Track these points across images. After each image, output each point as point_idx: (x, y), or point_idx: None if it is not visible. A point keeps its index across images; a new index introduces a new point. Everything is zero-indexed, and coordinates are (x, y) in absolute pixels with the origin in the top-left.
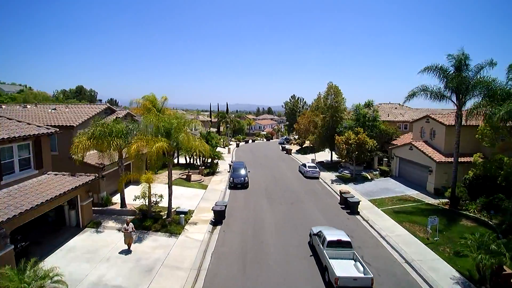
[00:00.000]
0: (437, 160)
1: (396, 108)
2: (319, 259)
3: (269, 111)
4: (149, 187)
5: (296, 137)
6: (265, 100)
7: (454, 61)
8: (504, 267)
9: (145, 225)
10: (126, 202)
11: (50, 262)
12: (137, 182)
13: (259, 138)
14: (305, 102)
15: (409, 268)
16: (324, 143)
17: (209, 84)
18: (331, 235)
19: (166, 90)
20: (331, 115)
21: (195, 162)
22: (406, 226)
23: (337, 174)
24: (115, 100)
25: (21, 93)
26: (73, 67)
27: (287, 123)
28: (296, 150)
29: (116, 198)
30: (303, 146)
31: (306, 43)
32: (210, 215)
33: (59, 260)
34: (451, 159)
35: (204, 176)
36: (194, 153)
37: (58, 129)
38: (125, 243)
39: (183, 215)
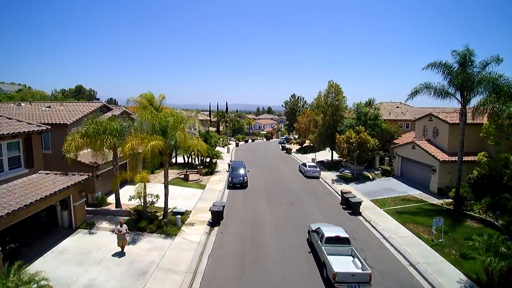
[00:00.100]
0: (441, 159)
1: (397, 107)
2: (318, 256)
3: (269, 110)
4: (144, 187)
5: (296, 136)
6: (265, 100)
7: (459, 57)
8: None
9: (140, 226)
10: (122, 202)
11: (39, 265)
12: (133, 182)
13: (259, 138)
14: (305, 101)
15: (414, 271)
16: (324, 142)
17: (209, 84)
18: (330, 231)
19: (166, 90)
20: (332, 113)
21: (193, 161)
22: (409, 227)
23: (338, 173)
24: (115, 100)
25: (19, 92)
26: (73, 67)
27: (287, 122)
28: (296, 150)
29: (111, 199)
30: (303, 146)
31: (306, 43)
32: (208, 216)
33: (49, 263)
34: (455, 158)
35: (203, 175)
36: (193, 153)
37: (49, 127)
38: (118, 245)
39: (180, 216)
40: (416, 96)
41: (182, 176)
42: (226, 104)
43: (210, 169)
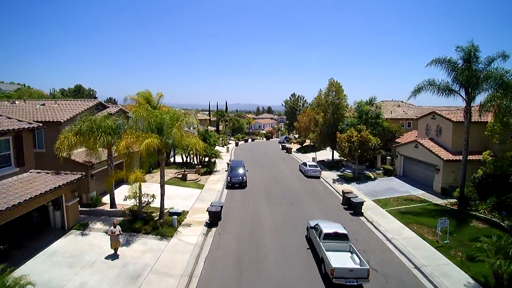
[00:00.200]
0: (445, 158)
1: (398, 105)
2: (316, 252)
3: (269, 110)
4: (140, 187)
5: (296, 136)
6: (265, 100)
7: (463, 53)
8: None
9: (135, 227)
10: (117, 203)
11: (29, 267)
12: (129, 182)
13: (258, 137)
14: (305, 100)
15: (419, 274)
16: (325, 141)
17: (209, 84)
18: (328, 227)
19: (166, 90)
20: (333, 112)
21: (192, 161)
22: (413, 228)
23: (339, 173)
24: (114, 99)
25: (17, 91)
26: (73, 67)
27: (287, 121)
28: (296, 149)
29: (107, 199)
30: (304, 145)
31: (306, 43)
32: (206, 216)
33: (39, 265)
34: (459, 157)
35: (201, 175)
36: (191, 152)
37: (41, 124)
38: (111, 247)
39: (176, 217)
40: (420, 94)
41: (180, 176)
42: (226, 103)
43: (208, 169)
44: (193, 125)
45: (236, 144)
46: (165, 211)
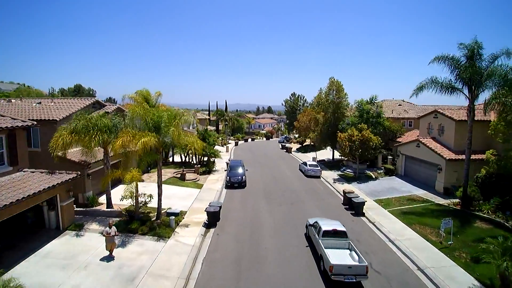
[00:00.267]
0: (447, 158)
1: (399, 104)
2: (315, 250)
3: (269, 110)
4: (136, 186)
5: (297, 135)
6: (265, 100)
7: (466, 50)
8: None
9: (131, 228)
10: (113, 203)
11: (21, 269)
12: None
13: (258, 137)
14: (305, 100)
15: (423, 276)
16: (325, 140)
17: (209, 84)
18: (327, 225)
19: (166, 90)
20: (333, 111)
21: (191, 160)
22: (416, 228)
23: (340, 173)
24: (114, 99)
25: (16, 91)
26: (73, 67)
27: (287, 121)
28: (297, 149)
29: (103, 199)
30: (304, 145)
31: (306, 43)
32: (204, 217)
33: (32, 267)
34: (461, 157)
35: (200, 175)
36: (190, 151)
37: (35, 122)
38: (106, 248)
39: (174, 217)
40: (422, 92)
41: (179, 176)
42: (226, 103)
43: (208, 168)
44: (192, 124)
45: (236, 144)
46: (162, 212)
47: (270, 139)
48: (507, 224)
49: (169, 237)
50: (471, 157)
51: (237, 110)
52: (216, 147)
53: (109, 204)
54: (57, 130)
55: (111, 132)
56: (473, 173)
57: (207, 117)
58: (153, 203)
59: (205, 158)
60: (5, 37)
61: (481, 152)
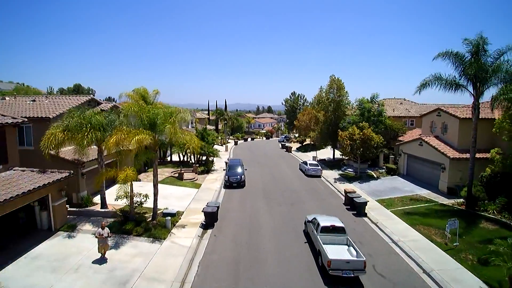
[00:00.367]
0: (451, 157)
1: (401, 103)
2: (313, 246)
3: (269, 110)
4: (131, 186)
5: (297, 135)
6: (265, 100)
7: (471, 46)
8: None
9: (126, 229)
10: (108, 203)
11: (9, 272)
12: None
13: (258, 137)
14: (305, 99)
15: (428, 279)
16: (326, 139)
17: (209, 84)
18: (325, 221)
19: (166, 90)
20: (334, 110)
21: (189, 159)
22: (420, 229)
23: (340, 172)
24: (113, 99)
25: (14, 89)
26: (72, 67)
27: (287, 120)
28: (297, 148)
29: (98, 198)
30: (304, 144)
31: (306, 43)
32: (201, 217)
33: (21, 269)
34: (465, 155)
35: (198, 174)
36: (188, 150)
37: (26, 120)
38: (99, 251)
39: (170, 218)
40: (426, 89)
41: (176, 175)
42: (225, 102)
43: (206, 168)
44: (191, 124)
45: (235, 143)
46: (158, 212)
47: (270, 139)
48: None
49: (164, 239)
50: (475, 156)
51: (237, 110)
52: (215, 147)
53: (103, 204)
54: (49, 127)
55: (105, 130)
56: (477, 172)
57: (207, 116)
58: (149, 203)
59: (204, 158)
60: (5, 37)
61: (485, 150)
